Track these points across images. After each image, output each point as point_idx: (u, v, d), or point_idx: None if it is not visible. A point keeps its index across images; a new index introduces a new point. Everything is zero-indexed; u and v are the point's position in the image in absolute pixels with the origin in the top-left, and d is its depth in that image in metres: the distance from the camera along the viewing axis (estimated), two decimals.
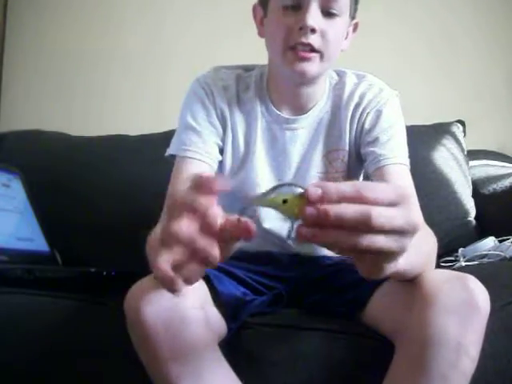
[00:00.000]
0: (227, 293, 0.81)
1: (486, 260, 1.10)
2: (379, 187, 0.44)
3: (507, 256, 1.08)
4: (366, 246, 0.43)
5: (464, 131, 1.56)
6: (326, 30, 0.85)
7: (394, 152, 0.90)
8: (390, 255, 0.45)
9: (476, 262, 1.10)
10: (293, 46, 0.85)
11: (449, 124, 1.55)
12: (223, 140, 0.96)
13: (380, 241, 0.43)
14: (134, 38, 1.88)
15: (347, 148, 0.95)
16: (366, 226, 0.42)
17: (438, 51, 1.85)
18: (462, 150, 1.51)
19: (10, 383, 0.84)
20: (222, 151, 0.96)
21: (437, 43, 1.85)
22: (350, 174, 0.97)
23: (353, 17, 0.92)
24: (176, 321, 0.67)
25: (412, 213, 0.44)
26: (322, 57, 0.86)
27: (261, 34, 0.94)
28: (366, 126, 0.93)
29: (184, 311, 0.68)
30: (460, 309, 0.66)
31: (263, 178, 0.96)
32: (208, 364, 0.69)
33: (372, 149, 0.91)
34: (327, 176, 0.96)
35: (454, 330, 0.65)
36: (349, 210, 0.42)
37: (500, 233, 1.19)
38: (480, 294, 0.67)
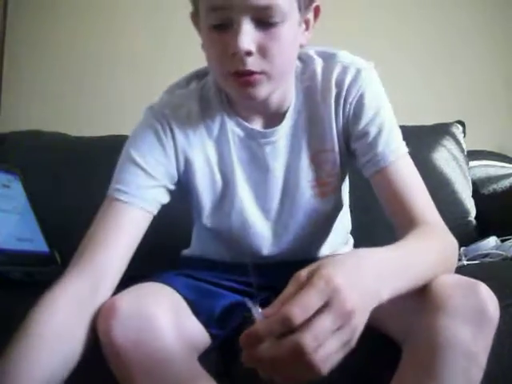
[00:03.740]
0: (201, 301, 0.78)
1: (487, 259, 1.10)
2: (300, 302, 0.47)
3: (509, 255, 1.08)
4: (323, 359, 0.47)
5: (464, 131, 1.56)
6: (266, 46, 0.71)
7: (390, 145, 0.81)
8: (349, 343, 0.50)
9: (477, 262, 1.10)
10: (232, 72, 0.72)
11: (449, 124, 1.56)
12: (188, 182, 0.85)
13: (331, 348, 0.48)
14: (135, 38, 1.88)
15: (336, 148, 0.85)
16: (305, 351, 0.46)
17: (437, 51, 1.85)
18: (462, 150, 1.51)
19: None
20: (186, 194, 0.87)
21: (436, 43, 1.85)
22: (344, 175, 0.89)
23: (306, 7, 0.77)
24: (146, 341, 0.65)
25: (340, 305, 0.48)
26: (268, 77, 0.73)
27: (203, 49, 0.78)
28: (351, 116, 0.82)
29: (155, 330, 0.66)
30: (471, 317, 0.64)
31: (249, 207, 0.86)
32: (185, 379, 0.67)
33: (364, 148, 0.82)
34: (319, 182, 0.86)
35: (465, 337, 0.63)
36: (280, 350, 0.47)
37: (500, 233, 1.18)
38: (491, 303, 0.65)
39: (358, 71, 0.82)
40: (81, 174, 1.49)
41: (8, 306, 0.87)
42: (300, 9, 0.75)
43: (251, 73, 0.72)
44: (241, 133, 0.85)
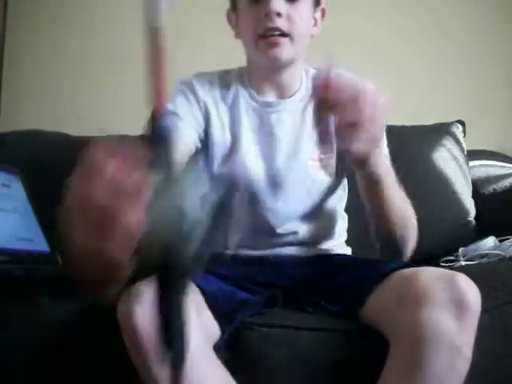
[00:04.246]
0: (218, 294, 0.80)
1: (486, 260, 1.10)
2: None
3: (507, 256, 1.08)
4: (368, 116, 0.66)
5: (464, 131, 1.56)
6: (290, 14, 0.91)
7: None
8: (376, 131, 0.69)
9: (476, 262, 1.10)
10: (262, 33, 0.91)
11: (449, 124, 1.56)
12: (208, 133, 0.98)
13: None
14: (134, 37, 1.87)
15: (332, 131, 0.97)
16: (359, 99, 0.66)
17: (438, 51, 1.85)
18: (462, 150, 1.52)
19: (10, 383, 0.84)
20: (204, 143, 0.98)
21: (437, 43, 1.85)
22: (339, 158, 1.00)
23: (318, 3, 0.99)
24: None
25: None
26: (291, 40, 0.92)
27: (237, 36, 1.00)
28: None
29: None
30: (452, 307, 0.67)
31: (251, 164, 0.98)
32: (200, 367, 0.69)
33: None
34: (318, 156, 0.99)
35: (448, 329, 0.66)
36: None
37: (500, 233, 1.19)
38: (470, 292, 0.68)
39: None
40: None
41: (9, 303, 0.88)
42: (313, 1, 0.97)
43: (279, 34, 0.91)
44: (252, 103, 1.01)
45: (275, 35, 0.91)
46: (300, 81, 1.03)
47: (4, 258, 1.05)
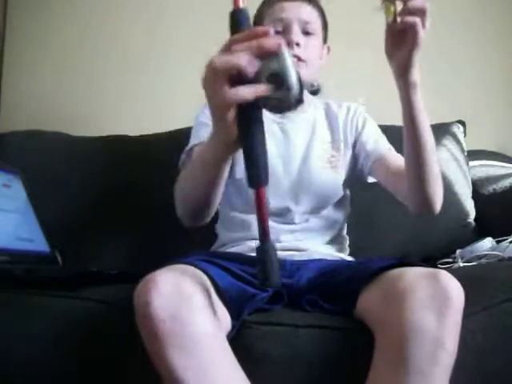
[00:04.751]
0: (230, 290, 0.82)
1: (484, 261, 1.10)
2: None
3: (505, 256, 1.08)
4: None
5: (464, 131, 1.56)
6: (306, 44, 1.11)
7: (379, 144, 1.15)
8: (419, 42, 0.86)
9: (474, 263, 1.10)
10: None
11: (449, 124, 1.56)
12: None
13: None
14: (135, 37, 1.88)
15: (342, 137, 1.18)
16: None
17: (437, 51, 1.85)
18: (462, 150, 1.51)
19: (9, 383, 0.84)
20: None
21: (436, 43, 1.85)
22: (346, 161, 1.17)
23: (325, 41, 1.19)
24: (183, 318, 0.68)
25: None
26: (306, 65, 1.10)
27: None
28: (359, 129, 1.19)
29: (192, 310, 0.69)
30: (433, 303, 0.69)
31: (271, 164, 1.03)
32: (214, 356, 0.70)
33: (361, 148, 1.16)
34: (329, 159, 1.15)
35: (429, 324, 0.69)
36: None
37: (500, 233, 1.19)
38: (452, 288, 0.70)
39: (356, 107, 1.23)
40: (81, 173, 1.49)
41: (9, 303, 0.88)
42: (322, 38, 1.17)
43: (298, 58, 1.08)
44: (269, 115, 1.07)
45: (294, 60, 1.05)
46: (310, 101, 1.18)
47: (4, 257, 1.05)
